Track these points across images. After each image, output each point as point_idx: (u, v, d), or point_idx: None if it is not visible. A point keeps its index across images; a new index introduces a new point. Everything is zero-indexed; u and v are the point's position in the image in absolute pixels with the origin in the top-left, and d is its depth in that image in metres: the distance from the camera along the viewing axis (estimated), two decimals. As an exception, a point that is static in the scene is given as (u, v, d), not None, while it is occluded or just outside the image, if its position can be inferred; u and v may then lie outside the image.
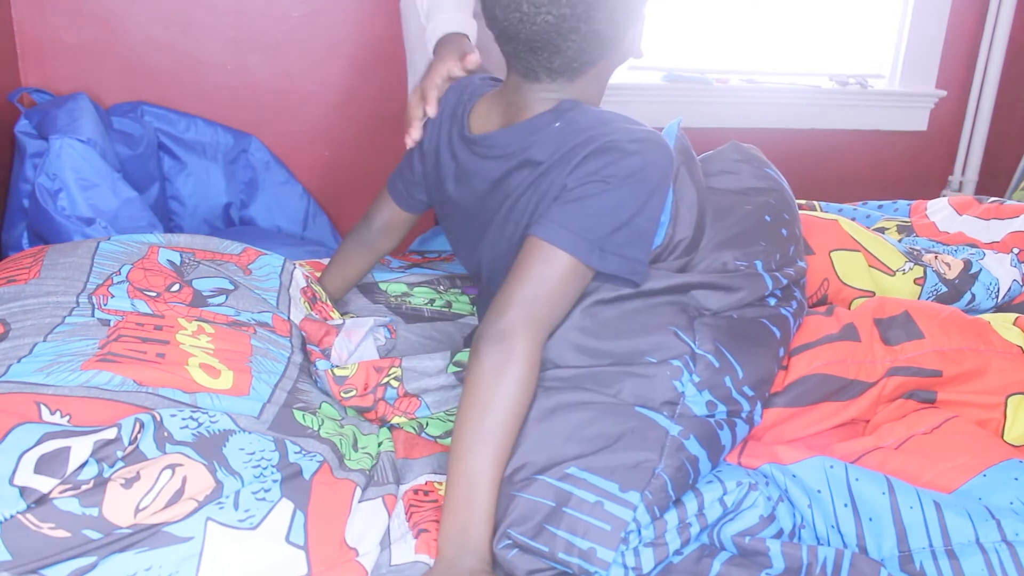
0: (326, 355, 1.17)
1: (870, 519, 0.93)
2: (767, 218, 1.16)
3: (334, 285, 1.40)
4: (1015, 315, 1.25)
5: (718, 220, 1.12)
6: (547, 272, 0.98)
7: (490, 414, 0.93)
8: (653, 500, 0.89)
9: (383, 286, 1.48)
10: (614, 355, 1.00)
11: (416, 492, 1.00)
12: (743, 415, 1.02)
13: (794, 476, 0.97)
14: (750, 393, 1.02)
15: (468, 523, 0.90)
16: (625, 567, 0.86)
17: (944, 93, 2.71)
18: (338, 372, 1.11)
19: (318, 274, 1.43)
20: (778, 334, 1.08)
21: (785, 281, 1.11)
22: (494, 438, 0.92)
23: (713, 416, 0.99)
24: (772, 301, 1.10)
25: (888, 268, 1.38)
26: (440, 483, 1.02)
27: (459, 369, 1.14)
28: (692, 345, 1.01)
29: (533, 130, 1.08)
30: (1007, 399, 1.10)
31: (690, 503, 0.92)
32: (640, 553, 0.87)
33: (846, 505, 0.94)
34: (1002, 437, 1.09)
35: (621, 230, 1.00)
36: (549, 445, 0.94)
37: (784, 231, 1.17)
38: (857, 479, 0.95)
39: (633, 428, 0.94)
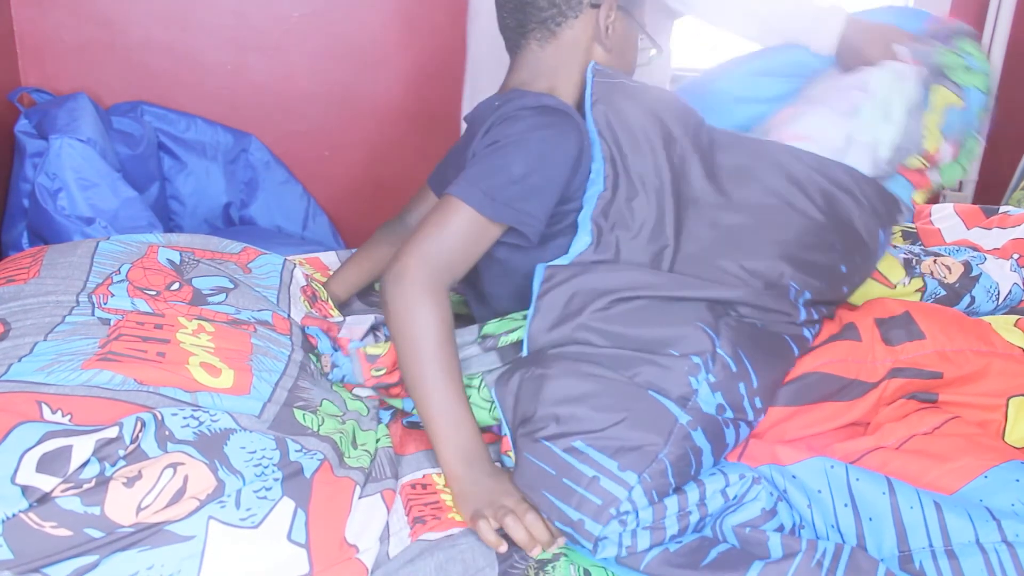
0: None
1: (870, 519, 0.93)
2: (843, 268, 1.17)
3: (351, 278, 1.42)
4: (1016, 317, 1.25)
5: (776, 225, 1.13)
6: (445, 220, 1.05)
7: (423, 349, 0.99)
8: (652, 484, 0.90)
9: (379, 287, 1.49)
10: (639, 341, 1.02)
11: (414, 487, 1.00)
12: (747, 421, 1.03)
13: (794, 477, 0.98)
14: (759, 405, 1.03)
15: (459, 442, 0.98)
16: (620, 545, 0.88)
17: (943, 93, 2.71)
18: (370, 351, 1.12)
19: (317, 274, 1.44)
20: (796, 353, 1.10)
21: (817, 316, 1.14)
22: (435, 362, 0.99)
23: (721, 417, 1.00)
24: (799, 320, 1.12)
25: (888, 281, 1.38)
26: (439, 474, 1.02)
27: (484, 339, 1.15)
28: (715, 343, 1.02)
29: (483, 112, 1.17)
30: (1008, 401, 1.10)
31: (691, 492, 0.93)
32: (637, 535, 0.89)
33: (846, 505, 0.94)
34: (1002, 439, 1.09)
35: (514, 184, 1.06)
36: (560, 401, 0.96)
37: (844, 268, 1.18)
38: (857, 479, 0.95)
39: (645, 408, 0.96)
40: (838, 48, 1.35)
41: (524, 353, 1.06)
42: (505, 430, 1.02)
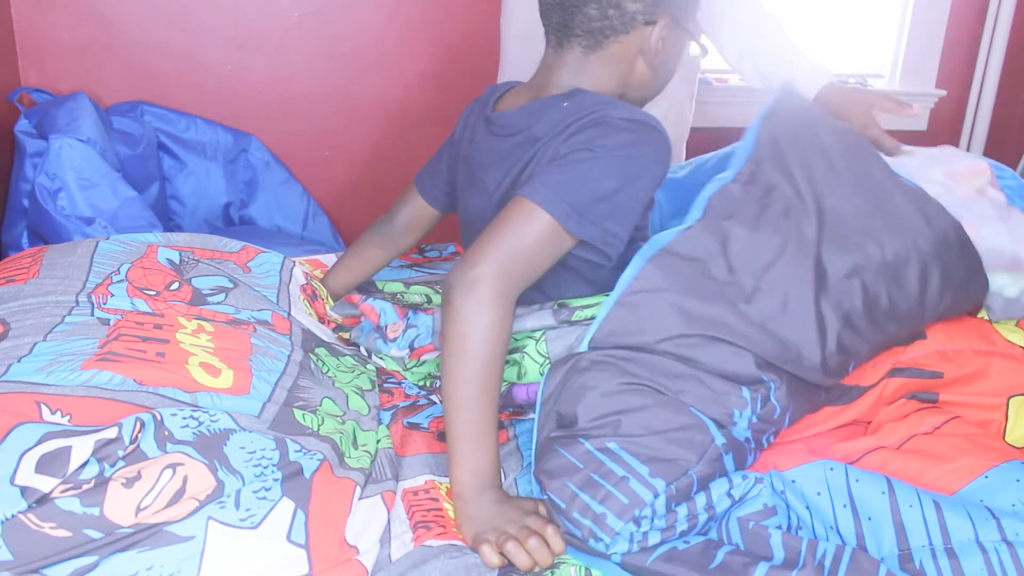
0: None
1: (869, 519, 0.93)
2: (890, 343, 1.13)
3: (343, 279, 1.41)
4: (1018, 318, 1.24)
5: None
6: (525, 229, 1.01)
7: (472, 362, 0.96)
8: (675, 496, 0.91)
9: (380, 284, 1.49)
10: (698, 364, 1.00)
11: (416, 493, 1.00)
12: (762, 448, 1.04)
13: (793, 482, 0.98)
14: (772, 440, 1.04)
15: (478, 465, 0.96)
16: (631, 541, 0.89)
17: (944, 93, 2.71)
18: None
19: (317, 272, 1.44)
20: (823, 400, 1.08)
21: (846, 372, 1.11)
22: (482, 381, 0.96)
23: (747, 446, 1.01)
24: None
25: None
26: (440, 482, 1.02)
27: (559, 308, 1.15)
28: (772, 389, 1.00)
29: (543, 109, 1.12)
30: (1008, 400, 1.10)
31: (700, 498, 0.94)
32: (648, 534, 0.90)
33: (845, 506, 0.94)
34: (1003, 438, 1.09)
35: (603, 201, 1.02)
36: (601, 416, 0.96)
37: (891, 343, 1.13)
38: (857, 480, 0.95)
39: (684, 425, 0.95)
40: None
41: (583, 348, 1.03)
42: (534, 431, 1.01)
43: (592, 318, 1.07)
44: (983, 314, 1.22)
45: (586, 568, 0.90)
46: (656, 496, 0.90)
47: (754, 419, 0.99)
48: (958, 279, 1.11)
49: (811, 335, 1.02)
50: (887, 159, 1.21)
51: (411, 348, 1.17)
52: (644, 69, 1.17)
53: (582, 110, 1.08)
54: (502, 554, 0.89)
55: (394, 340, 1.16)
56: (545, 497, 0.94)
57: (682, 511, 0.92)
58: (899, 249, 1.06)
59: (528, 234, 1.00)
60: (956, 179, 1.31)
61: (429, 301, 1.46)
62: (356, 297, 1.21)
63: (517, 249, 1.00)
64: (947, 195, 1.21)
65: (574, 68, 1.15)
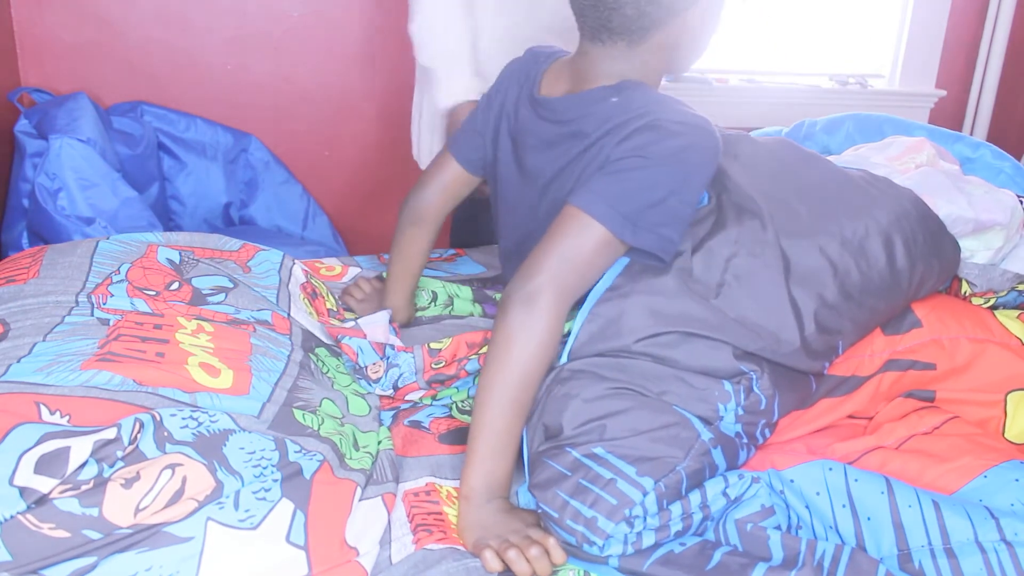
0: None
1: (868, 518, 0.93)
2: (878, 327, 1.15)
3: (404, 277, 1.39)
4: (1020, 311, 1.24)
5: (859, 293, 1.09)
6: (580, 241, 1.01)
7: (515, 372, 0.96)
8: (665, 493, 0.91)
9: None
10: (678, 364, 1.01)
11: (416, 495, 1.00)
12: (756, 445, 1.05)
13: (791, 481, 0.98)
14: (768, 434, 1.05)
15: (493, 472, 0.96)
16: (625, 542, 0.89)
17: (944, 93, 2.71)
18: (433, 345, 1.14)
19: (323, 270, 1.43)
20: (813, 388, 1.10)
21: (834, 357, 1.12)
22: (519, 393, 0.96)
23: (738, 441, 1.01)
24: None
25: None
26: (441, 485, 1.02)
27: None
28: (753, 380, 1.02)
29: (592, 101, 1.11)
30: (1007, 396, 1.10)
31: (694, 496, 0.94)
32: (642, 534, 0.90)
33: (844, 506, 0.94)
34: (1003, 435, 1.09)
35: (656, 208, 1.02)
36: (585, 422, 0.96)
37: (878, 327, 1.16)
38: (856, 480, 0.95)
39: (667, 424, 0.96)
40: None
41: (563, 360, 1.04)
42: (524, 447, 1.02)
43: (568, 332, 1.07)
44: (966, 288, 1.23)
45: (584, 572, 0.90)
46: (645, 494, 0.90)
47: (740, 411, 1.00)
48: (924, 245, 1.14)
49: (787, 319, 1.04)
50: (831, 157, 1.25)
51: (395, 388, 1.17)
52: (688, 46, 1.14)
53: (631, 110, 1.06)
54: (502, 561, 0.89)
55: (377, 381, 1.16)
56: (539, 510, 0.94)
57: (676, 510, 0.92)
58: (857, 226, 1.10)
59: (583, 246, 1.01)
60: (896, 160, 1.34)
61: (435, 299, 1.46)
62: (336, 331, 1.21)
63: (573, 261, 1.00)
64: (893, 176, 1.24)
65: (619, 59, 1.12)
